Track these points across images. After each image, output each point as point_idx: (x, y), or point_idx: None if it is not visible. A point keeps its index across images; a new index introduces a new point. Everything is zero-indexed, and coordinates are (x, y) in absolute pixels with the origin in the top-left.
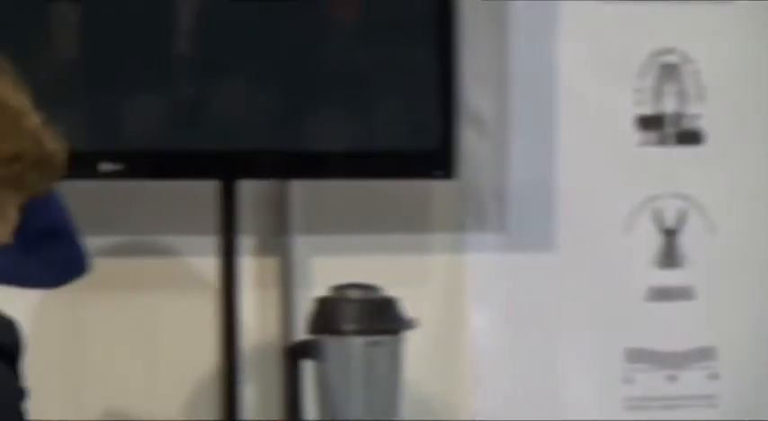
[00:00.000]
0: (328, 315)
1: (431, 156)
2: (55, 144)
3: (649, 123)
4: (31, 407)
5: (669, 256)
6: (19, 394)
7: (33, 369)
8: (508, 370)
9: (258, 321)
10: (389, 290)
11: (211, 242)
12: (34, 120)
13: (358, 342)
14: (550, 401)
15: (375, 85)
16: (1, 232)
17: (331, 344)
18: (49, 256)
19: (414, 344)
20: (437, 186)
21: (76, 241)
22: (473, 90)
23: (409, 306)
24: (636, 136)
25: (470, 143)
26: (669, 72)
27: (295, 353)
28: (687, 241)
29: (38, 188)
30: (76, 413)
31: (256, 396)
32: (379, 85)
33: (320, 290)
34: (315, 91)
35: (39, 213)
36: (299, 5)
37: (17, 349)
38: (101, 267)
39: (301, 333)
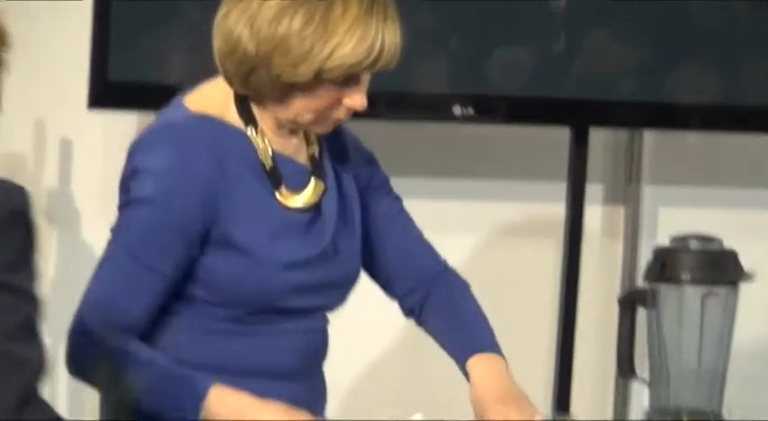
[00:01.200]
0: (666, 264)
1: None
2: None
3: None
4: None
5: None
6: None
7: None
8: None
9: (601, 268)
10: (732, 244)
11: (560, 189)
12: None
13: (694, 292)
14: None
15: (738, 38)
16: None
17: (667, 293)
18: None
19: (750, 300)
20: None
21: None
22: None
23: (750, 260)
24: None
25: None
26: None
27: (630, 301)
28: None
29: None
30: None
31: (592, 340)
32: (741, 40)
33: (664, 240)
34: (680, 43)
35: None
36: None
37: (30, 215)
38: (450, 210)
39: (641, 282)
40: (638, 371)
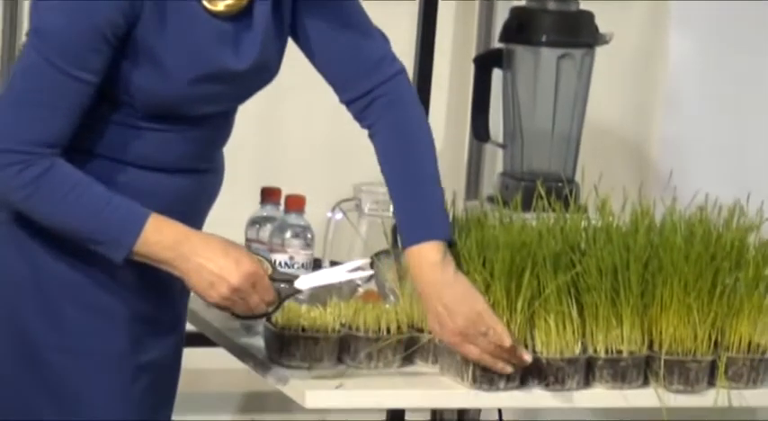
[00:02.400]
0: (523, 25)
1: None
2: None
3: None
4: None
5: None
6: None
7: None
8: (702, 97)
9: (457, 29)
10: (589, 5)
11: None
12: None
13: (549, 53)
14: (740, 135)
15: None
16: None
17: (523, 54)
18: None
19: (607, 63)
20: None
21: None
22: None
23: (608, 24)
24: None
25: None
26: None
27: (486, 62)
28: None
29: None
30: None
31: (448, 103)
32: None
33: (521, 1)
34: None
35: None
36: None
37: None
38: None
39: (497, 43)
40: (492, 135)
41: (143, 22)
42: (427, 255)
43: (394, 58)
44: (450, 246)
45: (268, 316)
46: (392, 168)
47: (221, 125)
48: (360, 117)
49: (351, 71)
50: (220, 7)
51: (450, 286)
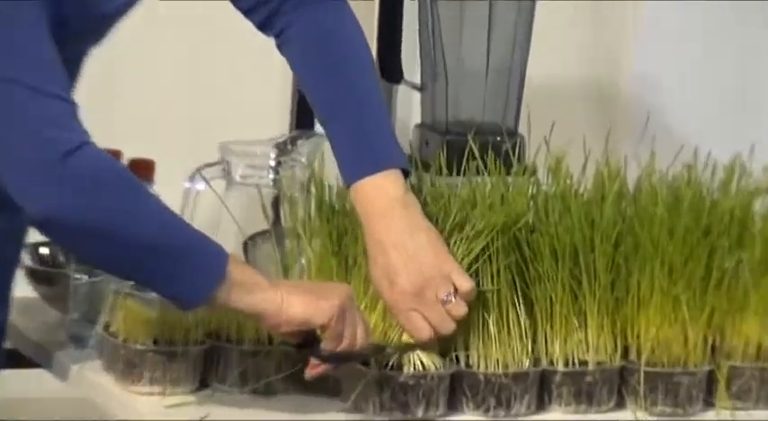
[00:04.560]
0: None
1: None
2: None
3: None
4: None
5: None
6: None
7: None
8: (688, 20)
9: None
10: None
11: None
12: None
13: None
14: (738, 71)
15: None
16: None
17: None
18: None
19: None
20: None
21: None
22: None
23: None
24: None
25: None
26: None
27: None
28: None
29: None
30: None
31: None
32: None
33: None
34: None
35: None
36: None
37: None
38: None
39: None
40: (405, 74)
41: None
42: (386, 189)
43: None
44: (405, 177)
45: (367, 359)
46: (319, 82)
47: (78, 71)
48: (265, 25)
49: None
50: None
51: (416, 230)
